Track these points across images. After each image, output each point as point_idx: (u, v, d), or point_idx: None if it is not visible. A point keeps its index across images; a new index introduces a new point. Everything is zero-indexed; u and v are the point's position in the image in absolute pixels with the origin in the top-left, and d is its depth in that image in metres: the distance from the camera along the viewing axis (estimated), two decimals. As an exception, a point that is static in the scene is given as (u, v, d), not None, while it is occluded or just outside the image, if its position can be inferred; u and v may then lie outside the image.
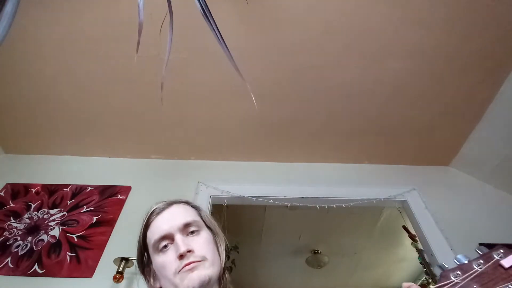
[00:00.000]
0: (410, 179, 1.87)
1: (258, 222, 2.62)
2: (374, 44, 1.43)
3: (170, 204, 0.70)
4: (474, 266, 0.43)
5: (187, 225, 0.65)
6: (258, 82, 1.54)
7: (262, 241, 2.89)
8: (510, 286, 0.39)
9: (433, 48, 1.44)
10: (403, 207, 1.81)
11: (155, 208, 0.69)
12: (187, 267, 0.58)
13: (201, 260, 0.60)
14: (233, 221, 2.10)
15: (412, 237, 1.97)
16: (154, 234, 0.64)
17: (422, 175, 1.92)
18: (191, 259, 0.59)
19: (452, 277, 0.42)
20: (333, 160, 1.98)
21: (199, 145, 1.91)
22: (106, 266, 1.38)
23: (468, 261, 0.44)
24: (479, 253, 0.45)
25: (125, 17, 1.31)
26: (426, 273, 1.97)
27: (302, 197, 1.76)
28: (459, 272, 0.42)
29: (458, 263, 0.44)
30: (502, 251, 0.43)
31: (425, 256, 1.68)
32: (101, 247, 1.47)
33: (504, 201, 1.75)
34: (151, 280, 0.66)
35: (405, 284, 0.44)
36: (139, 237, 0.68)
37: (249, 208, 1.85)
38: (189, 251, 0.59)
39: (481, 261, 0.43)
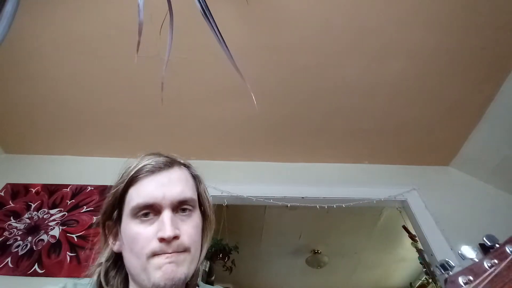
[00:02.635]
0: (410, 179, 1.87)
1: (258, 222, 2.62)
2: (374, 44, 1.43)
3: (171, 164, 0.56)
4: (487, 267, 0.34)
5: (182, 202, 0.53)
6: (258, 82, 1.54)
7: (262, 241, 2.89)
8: None
9: (433, 48, 1.44)
10: (403, 207, 1.81)
11: (150, 163, 0.54)
12: (167, 257, 0.48)
13: (184, 251, 0.50)
14: (233, 221, 2.10)
15: (412, 237, 1.97)
16: (139, 196, 0.51)
17: (422, 175, 1.92)
18: (174, 247, 0.48)
19: (461, 283, 0.34)
20: (333, 160, 1.98)
21: (199, 145, 1.90)
22: (106, 266, 1.38)
23: (479, 259, 0.35)
24: (489, 245, 0.36)
25: (125, 17, 1.31)
26: (426, 273, 1.97)
27: (302, 197, 1.76)
28: (470, 278, 0.34)
29: (464, 259, 0.36)
30: None
31: (425, 256, 1.68)
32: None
33: (504, 201, 1.74)
34: (110, 239, 0.55)
35: None
36: (118, 187, 0.55)
37: (249, 208, 1.85)
38: (175, 237, 0.49)
39: (495, 261, 0.34)
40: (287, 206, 1.76)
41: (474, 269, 0.35)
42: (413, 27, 1.37)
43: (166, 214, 0.50)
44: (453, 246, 1.52)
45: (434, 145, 1.90)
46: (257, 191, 1.75)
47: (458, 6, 1.30)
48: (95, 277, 0.55)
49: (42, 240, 1.49)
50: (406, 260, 3.07)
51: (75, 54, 1.46)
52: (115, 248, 0.54)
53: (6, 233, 1.51)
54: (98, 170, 1.85)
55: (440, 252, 1.51)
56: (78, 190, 1.72)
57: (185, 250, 0.50)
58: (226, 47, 0.93)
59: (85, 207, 1.64)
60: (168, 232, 0.48)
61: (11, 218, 1.58)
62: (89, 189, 1.73)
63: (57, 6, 1.30)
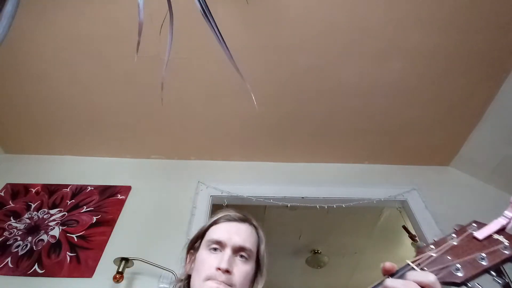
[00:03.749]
0: (410, 179, 1.87)
1: (258, 222, 2.61)
2: (374, 44, 1.43)
3: (244, 220, 0.74)
4: (448, 240, 0.45)
5: (242, 249, 0.68)
6: (258, 82, 1.54)
7: (262, 241, 2.88)
8: (482, 254, 0.41)
9: (433, 48, 1.44)
10: (403, 207, 1.81)
11: (230, 214, 0.74)
12: (216, 283, 0.61)
13: (230, 286, 0.62)
14: (233, 221, 2.10)
15: (412, 237, 1.97)
16: (214, 233, 0.70)
17: (422, 175, 1.92)
18: (224, 278, 0.61)
19: (427, 251, 0.44)
20: (333, 160, 1.98)
21: (199, 145, 1.90)
22: (106, 266, 1.38)
23: (445, 236, 0.46)
24: (455, 230, 0.47)
25: (125, 17, 1.31)
26: (426, 273, 1.96)
27: (302, 197, 1.76)
28: (433, 247, 0.45)
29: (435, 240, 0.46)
30: (475, 225, 0.46)
31: (425, 256, 1.68)
32: (101, 247, 1.47)
33: (504, 201, 1.73)
34: (189, 263, 0.71)
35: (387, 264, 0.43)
36: (204, 225, 0.75)
37: (249, 208, 1.85)
38: (227, 271, 0.62)
39: (454, 235, 0.45)
40: (287, 206, 1.75)
41: (439, 242, 0.45)
42: (413, 27, 1.37)
43: (227, 252, 0.65)
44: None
45: (434, 145, 1.90)
46: (257, 191, 1.75)
47: (458, 7, 1.31)
48: None
49: (42, 240, 1.49)
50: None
51: (75, 54, 1.46)
52: (188, 269, 0.70)
53: (6, 233, 1.51)
54: (98, 170, 1.85)
55: (440, 252, 1.50)
56: (78, 190, 1.72)
57: (231, 285, 0.62)
58: (226, 47, 0.93)
59: (85, 207, 1.64)
60: (223, 265, 0.62)
61: (11, 218, 1.58)
62: (89, 189, 1.73)
63: (57, 6, 1.30)
